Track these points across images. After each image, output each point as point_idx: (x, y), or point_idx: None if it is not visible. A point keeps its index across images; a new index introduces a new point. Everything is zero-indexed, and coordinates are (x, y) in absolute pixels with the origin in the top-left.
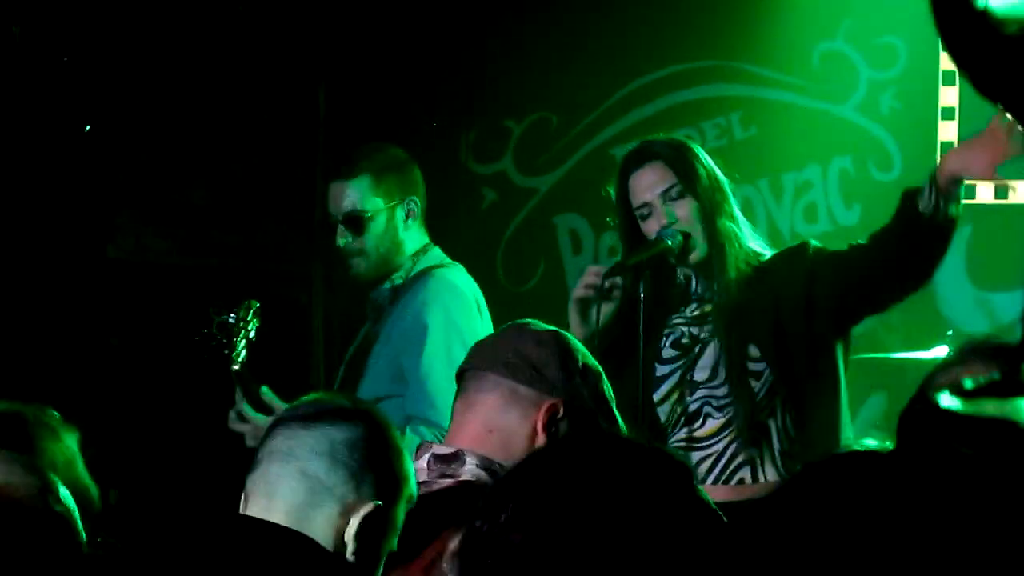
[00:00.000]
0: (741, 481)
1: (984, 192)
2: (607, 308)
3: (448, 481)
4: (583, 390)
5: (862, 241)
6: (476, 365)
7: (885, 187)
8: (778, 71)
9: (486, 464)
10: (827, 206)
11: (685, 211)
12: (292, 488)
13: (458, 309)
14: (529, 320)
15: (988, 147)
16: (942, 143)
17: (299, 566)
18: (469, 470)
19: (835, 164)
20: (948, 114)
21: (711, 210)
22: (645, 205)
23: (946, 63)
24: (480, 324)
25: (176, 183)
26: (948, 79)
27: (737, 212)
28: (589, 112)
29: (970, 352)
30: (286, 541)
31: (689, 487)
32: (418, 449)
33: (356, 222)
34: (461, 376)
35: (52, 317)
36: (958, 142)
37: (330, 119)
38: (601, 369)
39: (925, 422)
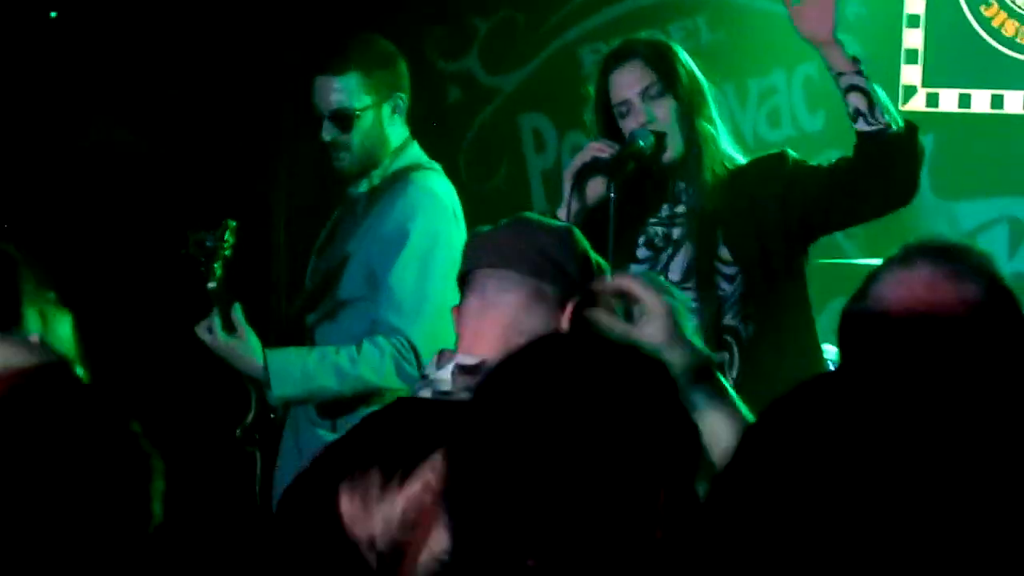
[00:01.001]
0: None
1: (947, 101)
2: (597, 190)
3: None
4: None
5: (838, 160)
6: (492, 263)
7: None
8: None
9: None
10: (791, 111)
11: (664, 111)
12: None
13: (438, 218)
14: (529, 215)
15: (812, 8)
16: (906, 50)
17: None
18: None
19: (800, 70)
20: (913, 21)
21: (689, 111)
22: (624, 103)
23: None
24: (457, 232)
25: (147, 81)
26: None
27: (715, 115)
28: (555, 11)
29: (915, 252)
30: None
31: (670, 385)
32: (440, 357)
33: (344, 119)
34: (469, 276)
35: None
36: (922, 50)
37: (295, 18)
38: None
39: (868, 324)
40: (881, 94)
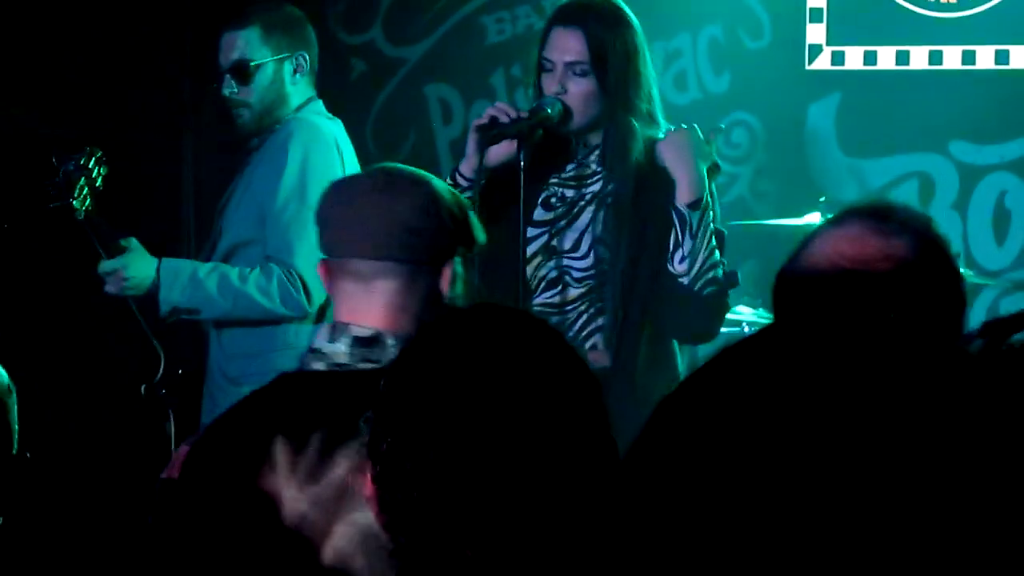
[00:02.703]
0: (594, 347)
1: (853, 58)
2: (500, 152)
3: (371, 366)
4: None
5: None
6: (364, 252)
7: (755, 55)
8: None
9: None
10: (697, 74)
11: (579, 89)
12: None
13: (315, 148)
14: (387, 166)
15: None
16: (811, 9)
17: None
18: (392, 354)
19: (705, 32)
20: None
21: (615, 101)
22: (550, 62)
23: None
24: (339, 163)
25: (44, 54)
26: None
27: (644, 105)
28: None
29: (850, 214)
30: None
31: (568, 351)
32: (332, 330)
33: (242, 71)
34: (340, 261)
35: None
36: (826, 8)
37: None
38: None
39: (796, 281)
40: (699, 243)
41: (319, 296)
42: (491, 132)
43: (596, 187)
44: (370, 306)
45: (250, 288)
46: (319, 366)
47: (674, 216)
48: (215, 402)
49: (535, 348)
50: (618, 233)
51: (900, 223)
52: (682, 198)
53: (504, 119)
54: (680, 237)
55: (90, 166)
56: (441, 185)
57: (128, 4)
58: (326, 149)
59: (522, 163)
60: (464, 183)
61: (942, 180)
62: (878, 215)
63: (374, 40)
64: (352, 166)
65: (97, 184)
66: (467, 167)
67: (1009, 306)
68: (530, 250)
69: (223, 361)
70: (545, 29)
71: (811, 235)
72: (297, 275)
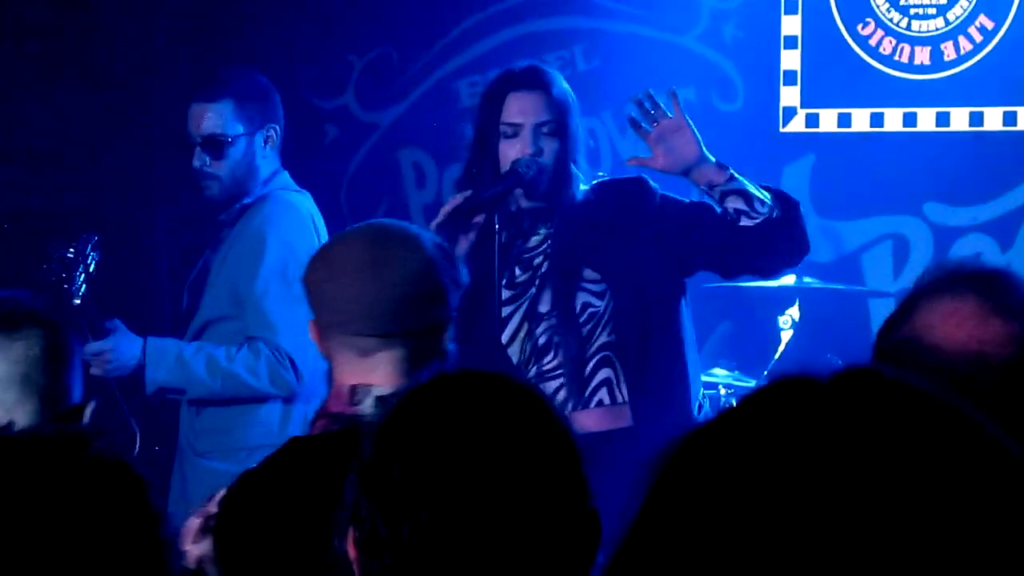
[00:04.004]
0: (600, 403)
1: (827, 120)
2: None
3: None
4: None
5: (709, 210)
6: (361, 330)
7: (728, 117)
8: (620, 2)
9: None
10: None
11: (551, 149)
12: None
13: (294, 228)
14: (375, 226)
15: (666, 145)
16: (785, 72)
17: None
18: None
19: (678, 95)
20: (791, 43)
21: (568, 156)
22: (515, 126)
23: None
24: (316, 242)
25: (13, 124)
26: (790, 7)
27: (582, 159)
28: (431, 46)
29: (961, 279)
30: None
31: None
32: (352, 393)
33: (216, 146)
34: (340, 337)
35: None
36: (800, 71)
37: (169, 53)
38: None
39: (915, 353)
40: (751, 186)
41: (306, 374)
42: (464, 210)
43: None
44: (376, 371)
45: (238, 368)
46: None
47: (728, 188)
48: (184, 476)
49: (517, 416)
50: (568, 285)
51: (1015, 300)
52: (720, 178)
53: (461, 203)
54: (749, 192)
55: (87, 251)
56: (428, 239)
57: (97, 69)
58: (304, 230)
59: (497, 227)
60: None
61: (917, 242)
62: (993, 289)
63: (347, 105)
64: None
65: (91, 270)
66: None
67: None
68: (511, 326)
69: (192, 436)
70: (496, 97)
71: (916, 301)
72: (285, 354)
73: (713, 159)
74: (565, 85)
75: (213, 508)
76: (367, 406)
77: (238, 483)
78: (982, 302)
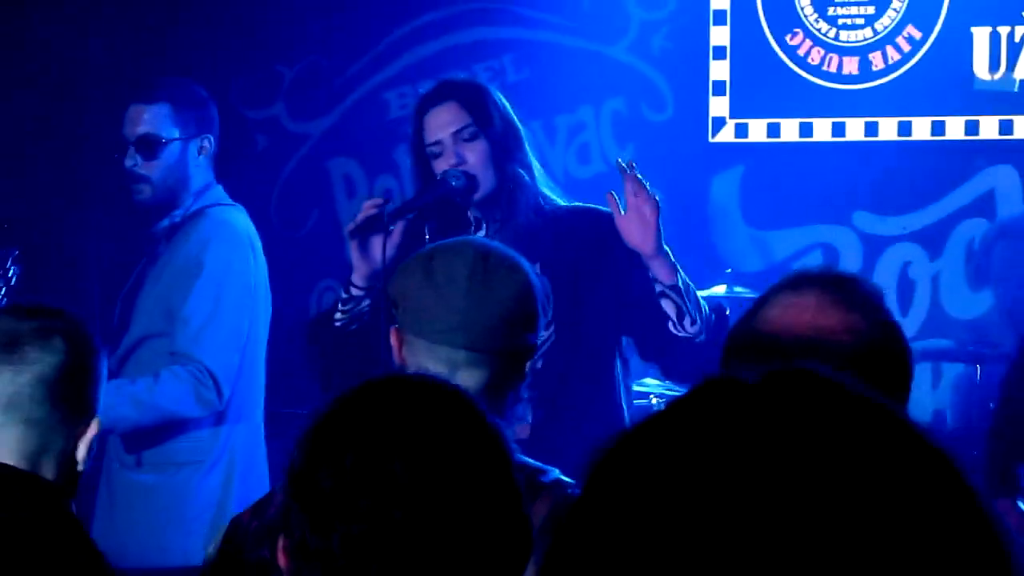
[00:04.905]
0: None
1: (756, 131)
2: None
3: None
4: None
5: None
6: (454, 342)
7: (658, 127)
8: (548, 13)
9: None
10: (600, 147)
11: (475, 153)
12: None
13: (231, 248)
14: (478, 244)
15: (636, 225)
16: (713, 82)
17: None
18: None
19: (608, 105)
20: (719, 53)
21: (502, 155)
22: (437, 143)
23: (717, 2)
24: (253, 265)
25: None
26: (719, 18)
27: (531, 159)
28: (360, 56)
29: (806, 282)
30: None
31: (480, 423)
32: None
33: (150, 146)
34: (432, 342)
35: None
36: (729, 81)
37: (100, 61)
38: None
39: (760, 352)
40: (692, 304)
41: (228, 390)
42: (372, 224)
43: None
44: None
45: (160, 399)
46: None
47: (667, 291)
48: (111, 489)
49: (447, 421)
50: None
51: (858, 296)
52: (666, 279)
53: (375, 212)
54: (685, 306)
55: (7, 265)
56: (528, 266)
57: (28, 75)
58: (242, 249)
59: (428, 237)
60: (359, 292)
61: (846, 251)
62: (835, 285)
63: (277, 115)
64: (262, 259)
65: (12, 283)
66: (358, 275)
67: (914, 376)
68: None
69: (120, 450)
70: (416, 124)
71: (763, 299)
72: (207, 372)
73: (670, 257)
74: (486, 89)
75: None
76: None
77: None
78: (822, 296)
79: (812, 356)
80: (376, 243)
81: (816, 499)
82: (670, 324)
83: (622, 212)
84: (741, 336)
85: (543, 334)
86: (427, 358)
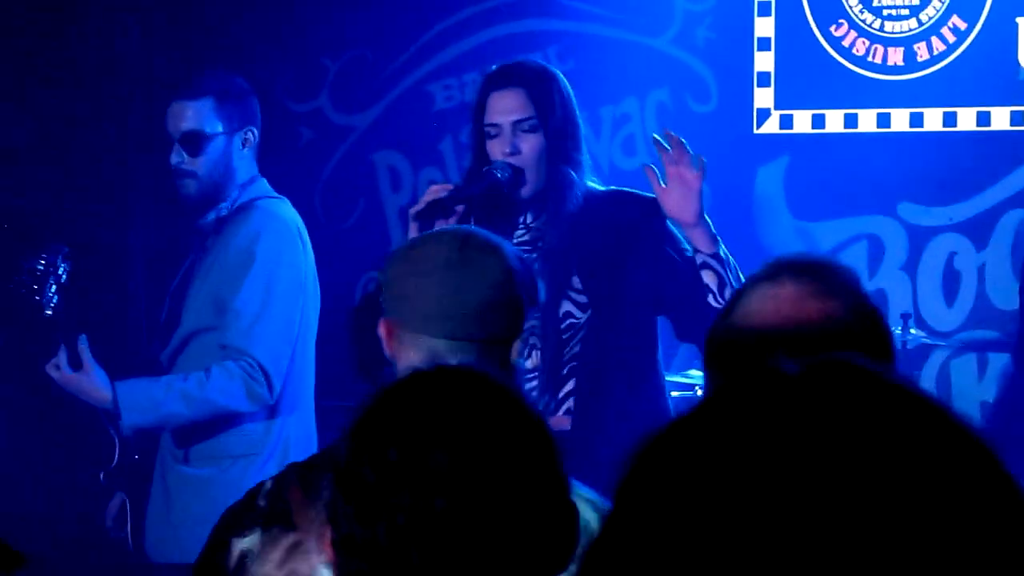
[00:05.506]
0: (568, 411)
1: (801, 122)
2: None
3: None
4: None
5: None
6: (435, 331)
7: (702, 119)
8: (593, 5)
9: None
10: (645, 138)
11: (530, 145)
12: None
13: (281, 240)
14: (459, 231)
15: (677, 194)
16: (758, 73)
17: None
18: None
19: (652, 96)
20: (764, 44)
21: (556, 152)
22: (495, 126)
23: None
24: (303, 258)
25: None
26: (763, 9)
27: (583, 156)
28: (405, 49)
29: (783, 272)
30: None
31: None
32: None
33: (194, 142)
34: (415, 332)
35: None
36: (774, 72)
37: (142, 55)
38: None
39: (741, 346)
40: (732, 274)
41: (279, 384)
42: (436, 208)
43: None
44: None
45: (212, 394)
46: None
47: (709, 260)
48: (165, 484)
49: (492, 412)
50: (555, 289)
51: (836, 283)
52: (706, 248)
53: (444, 195)
54: (726, 275)
55: (57, 263)
56: (512, 251)
57: (71, 69)
58: (292, 244)
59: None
60: None
61: (891, 242)
62: (812, 273)
63: (322, 108)
64: (310, 251)
65: (63, 280)
66: None
67: (959, 367)
68: None
69: (174, 444)
70: (479, 98)
71: (741, 292)
72: (258, 366)
73: (711, 227)
74: (555, 80)
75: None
76: None
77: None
78: (800, 287)
79: (793, 348)
80: (438, 226)
81: (867, 496)
82: (710, 297)
83: (662, 184)
84: (722, 332)
85: (530, 320)
86: (410, 347)
